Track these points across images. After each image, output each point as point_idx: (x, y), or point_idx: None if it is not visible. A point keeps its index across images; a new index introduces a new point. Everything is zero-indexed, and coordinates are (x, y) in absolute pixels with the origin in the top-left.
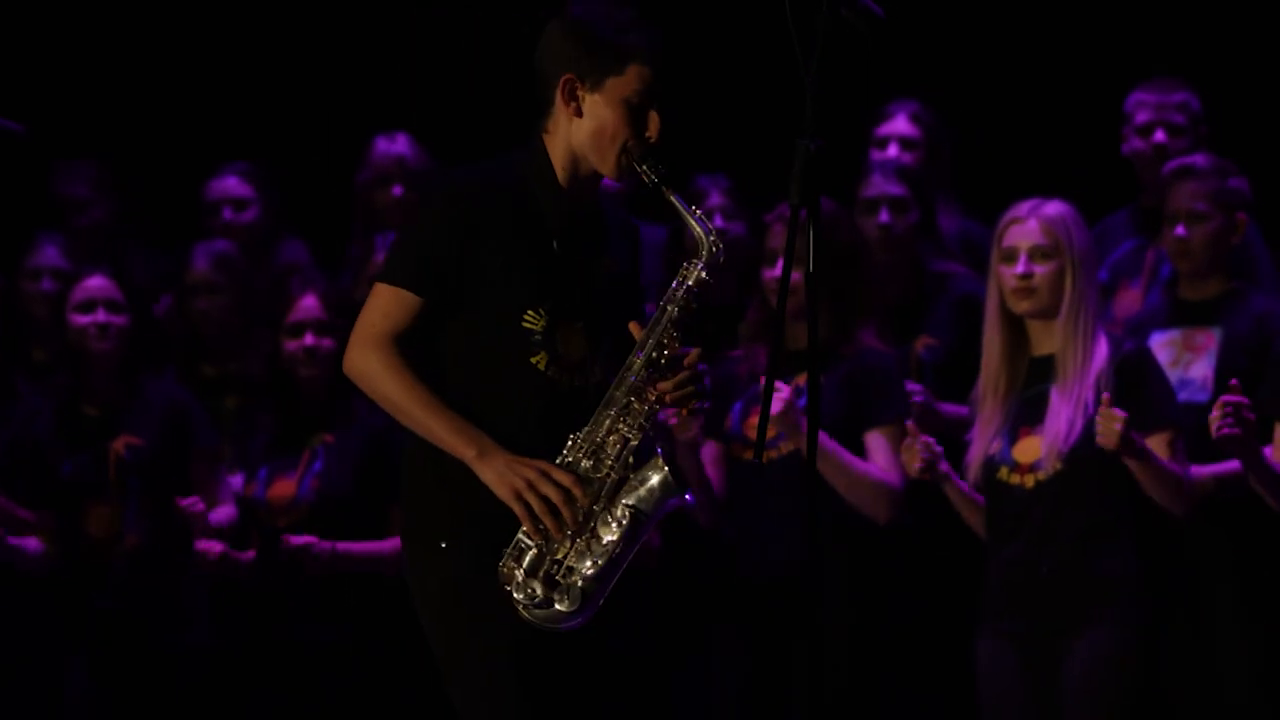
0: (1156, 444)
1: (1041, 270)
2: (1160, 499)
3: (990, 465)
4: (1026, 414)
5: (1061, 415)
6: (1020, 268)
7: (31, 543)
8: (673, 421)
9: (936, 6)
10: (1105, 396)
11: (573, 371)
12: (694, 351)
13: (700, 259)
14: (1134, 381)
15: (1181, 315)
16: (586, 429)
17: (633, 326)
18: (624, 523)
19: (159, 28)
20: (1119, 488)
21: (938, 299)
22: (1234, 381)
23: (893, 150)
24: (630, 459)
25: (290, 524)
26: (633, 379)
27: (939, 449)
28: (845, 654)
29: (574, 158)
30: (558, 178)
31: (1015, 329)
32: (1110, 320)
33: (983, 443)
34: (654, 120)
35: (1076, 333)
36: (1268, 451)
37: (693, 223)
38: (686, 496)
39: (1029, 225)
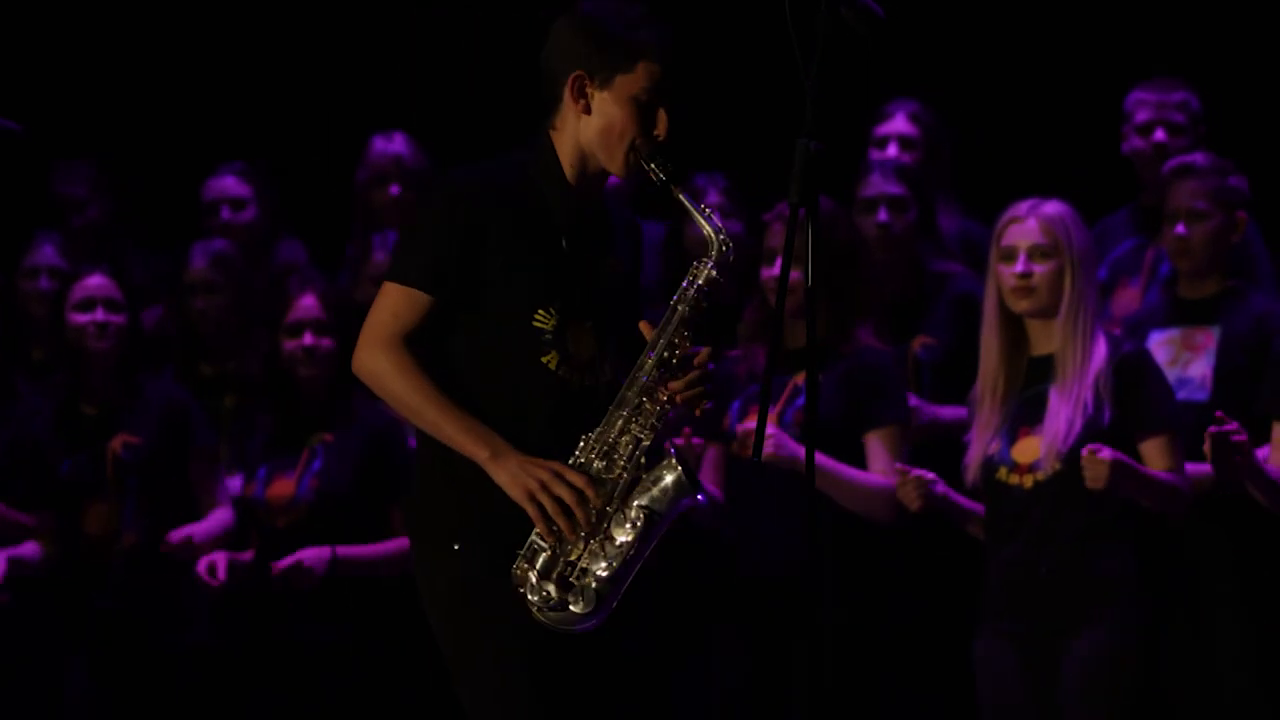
0: (1154, 447)
1: (1040, 269)
2: (1156, 509)
3: (989, 466)
4: (1025, 414)
5: (1060, 415)
6: (1019, 267)
7: (30, 548)
8: (679, 441)
9: (936, 6)
10: (1088, 449)
11: (583, 371)
12: (704, 351)
13: (710, 258)
14: (1132, 382)
15: (1180, 314)
16: (599, 429)
17: (643, 326)
18: (638, 524)
19: (157, 27)
20: None
21: (936, 298)
22: (1219, 414)
23: (892, 150)
24: (643, 459)
25: (289, 523)
26: (645, 379)
27: (931, 479)
28: (845, 654)
29: (582, 155)
30: (565, 175)
31: (1014, 328)
32: (1109, 319)
33: (981, 443)
34: (663, 118)
35: (1075, 332)
36: (1265, 452)
37: (702, 221)
38: (699, 496)
39: (1028, 224)
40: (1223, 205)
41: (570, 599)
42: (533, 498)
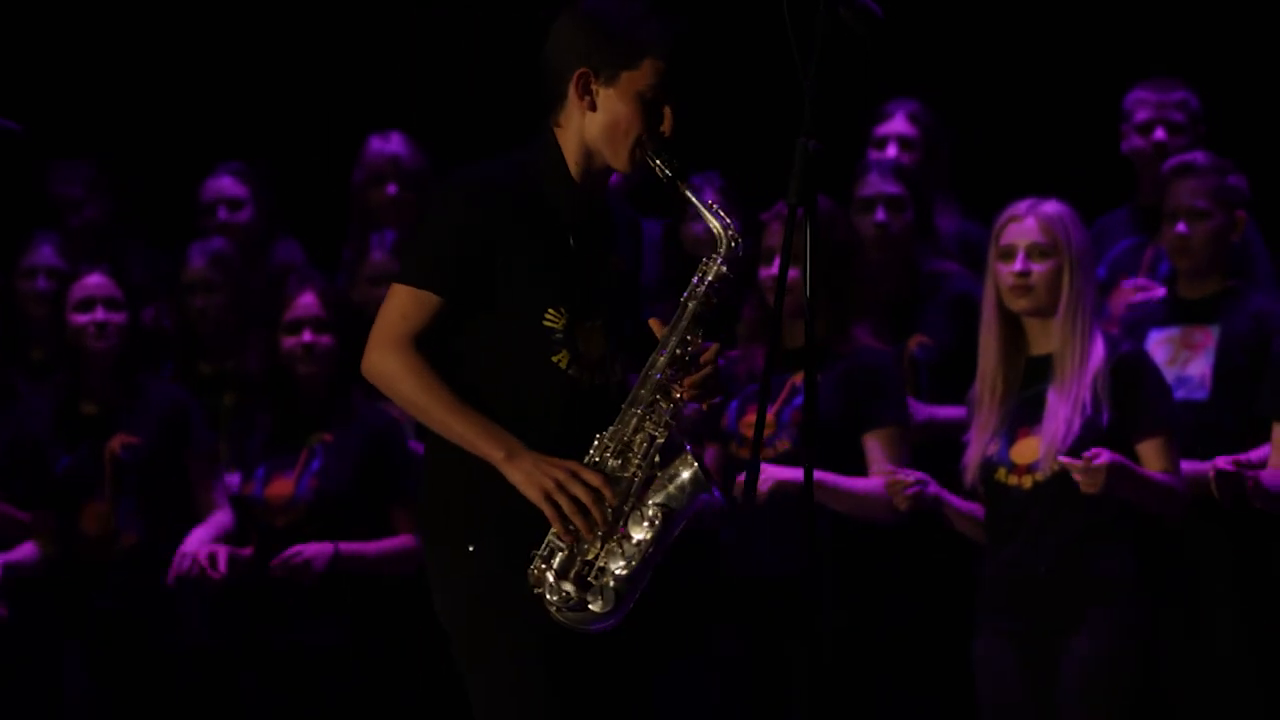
0: (1151, 448)
1: (1039, 269)
2: (1153, 510)
3: (988, 467)
4: (1024, 414)
5: (1059, 416)
6: (1018, 266)
7: (26, 550)
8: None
9: (935, 6)
10: (1086, 455)
11: (593, 369)
12: (714, 347)
13: (719, 253)
14: (1130, 383)
15: (1179, 313)
16: (613, 428)
17: (653, 323)
18: (656, 522)
19: (155, 27)
20: None
21: (932, 298)
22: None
23: (891, 150)
24: (657, 457)
25: (288, 523)
26: (658, 376)
27: (922, 480)
28: (843, 655)
29: (587, 151)
30: (571, 172)
31: (1013, 328)
32: (1108, 318)
33: (980, 444)
34: (668, 114)
35: (1074, 332)
36: (1265, 453)
37: (710, 217)
38: (715, 492)
39: (1027, 223)
40: (1223, 204)
41: (589, 598)
42: (549, 497)
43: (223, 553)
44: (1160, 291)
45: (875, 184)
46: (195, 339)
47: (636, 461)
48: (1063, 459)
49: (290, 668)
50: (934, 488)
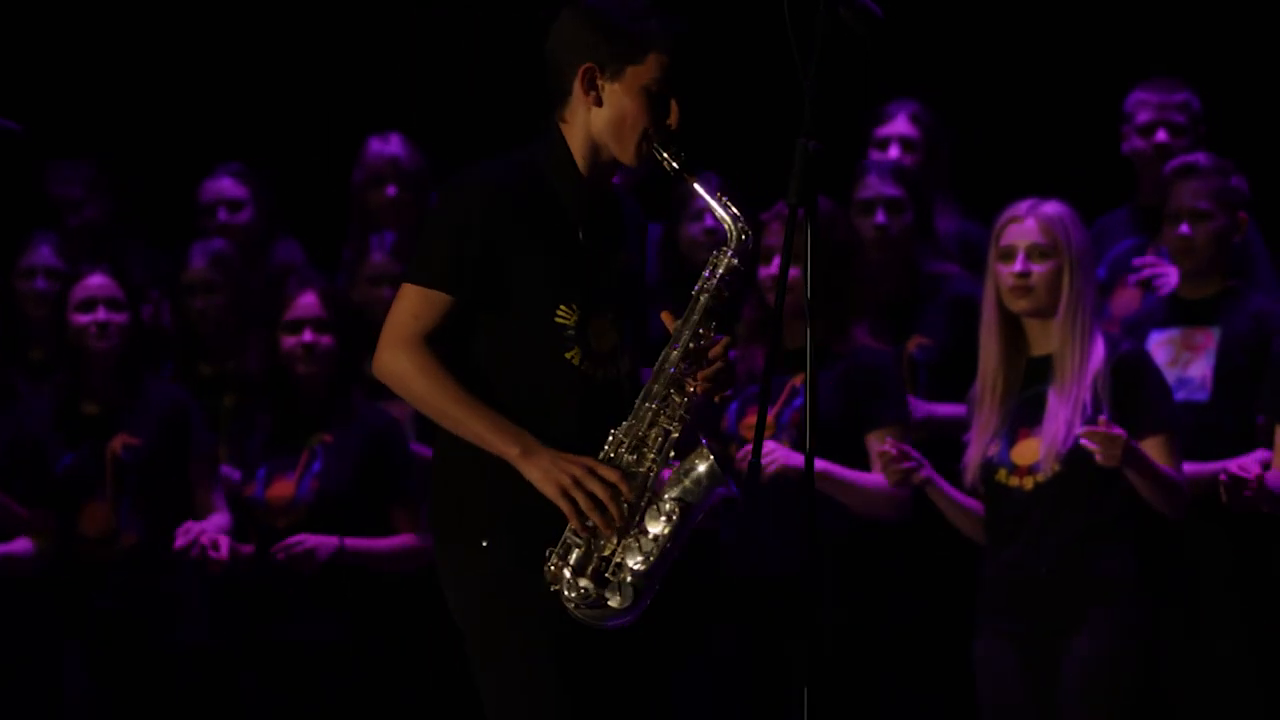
0: (1152, 448)
1: (1039, 269)
2: (1156, 503)
3: (989, 468)
4: (1024, 415)
5: (1059, 417)
6: (1018, 266)
7: (22, 544)
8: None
9: (935, 7)
10: (1102, 419)
11: (604, 364)
12: (724, 340)
13: (729, 246)
14: (1131, 383)
15: (1180, 314)
16: (627, 423)
17: (665, 317)
18: (673, 516)
19: (155, 28)
20: (1117, 488)
21: (931, 299)
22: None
23: (894, 151)
24: (672, 452)
25: (289, 525)
26: (671, 371)
27: (915, 458)
28: (845, 654)
29: (594, 146)
30: (578, 167)
31: (1013, 329)
32: (1108, 319)
33: (980, 445)
34: (674, 107)
35: (1074, 333)
36: (1267, 455)
37: (719, 210)
38: (732, 486)
39: (1027, 224)
40: (1225, 206)
41: (607, 594)
42: (566, 493)
43: (225, 540)
44: (1172, 273)
45: (875, 186)
46: (195, 340)
47: (652, 456)
48: (1081, 431)
49: (290, 664)
50: (928, 471)
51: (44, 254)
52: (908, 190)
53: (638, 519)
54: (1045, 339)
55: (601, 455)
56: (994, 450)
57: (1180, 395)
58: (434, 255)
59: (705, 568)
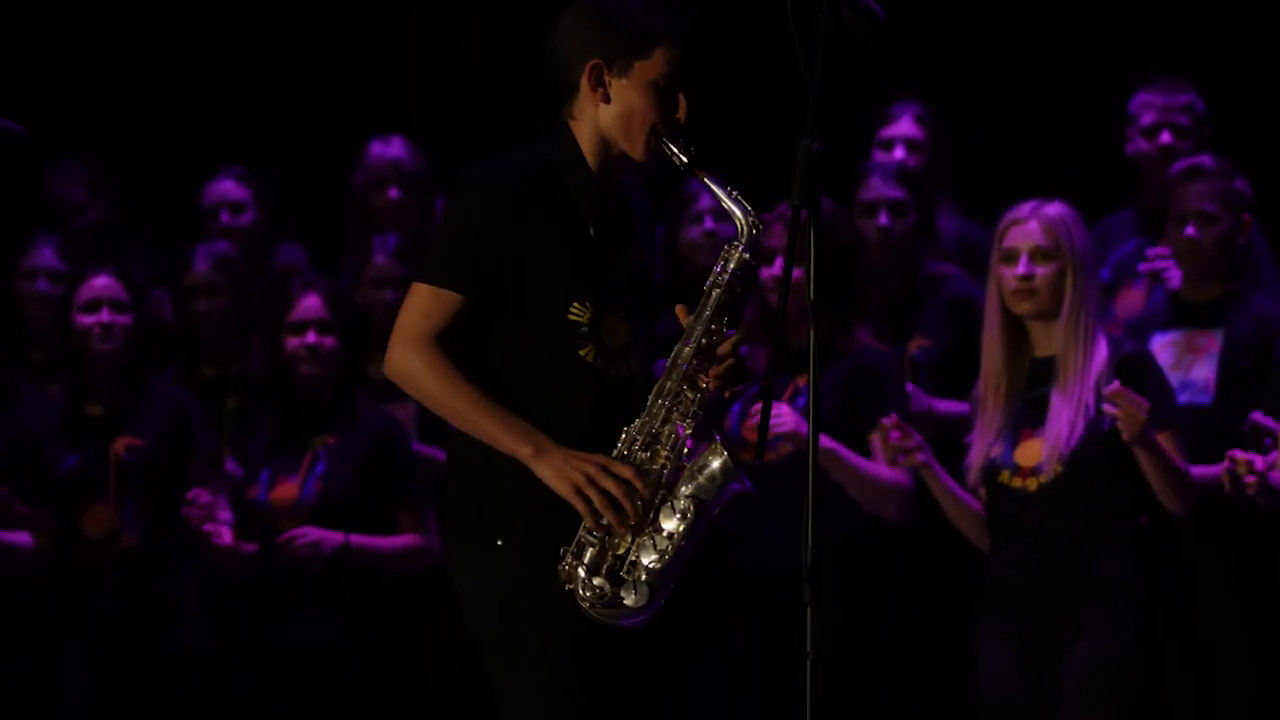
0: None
1: (1042, 271)
2: (1165, 494)
3: (991, 469)
4: (1027, 416)
5: (1062, 418)
6: (1021, 269)
7: (24, 537)
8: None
9: (938, 7)
10: (1116, 385)
11: (617, 361)
12: (734, 337)
13: (740, 240)
14: (1134, 382)
15: (1183, 317)
16: (641, 420)
17: (679, 310)
18: (688, 514)
19: (156, 29)
20: (1117, 489)
21: (931, 300)
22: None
23: (899, 152)
24: (685, 449)
25: (293, 527)
26: (684, 367)
27: (917, 438)
28: (845, 654)
29: (603, 142)
30: (588, 163)
31: (1016, 330)
32: (1112, 320)
33: (983, 446)
34: (682, 102)
35: (1077, 334)
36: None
37: (729, 203)
38: (746, 481)
39: (1030, 226)
40: (1230, 208)
41: (624, 594)
42: (580, 492)
43: (229, 531)
44: (1175, 273)
45: (878, 188)
46: (198, 342)
47: (665, 453)
48: (1108, 390)
49: (289, 665)
50: (927, 456)
51: (46, 256)
52: (910, 192)
53: (652, 516)
54: (1048, 340)
55: (615, 453)
56: (997, 451)
57: (1183, 398)
58: (445, 254)
59: (713, 562)
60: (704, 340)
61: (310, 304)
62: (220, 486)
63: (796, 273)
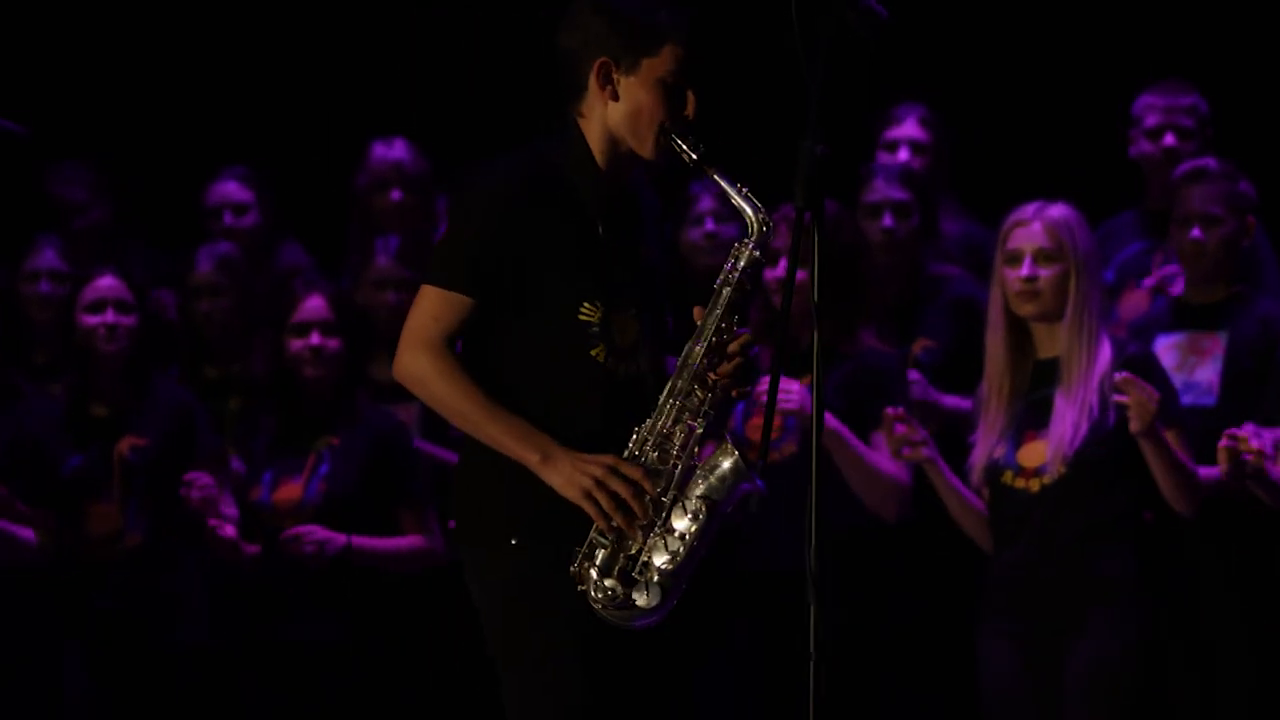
0: None
1: (1046, 273)
2: (1171, 493)
3: (994, 469)
4: (1031, 418)
5: (1066, 419)
6: (1024, 270)
7: (27, 532)
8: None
9: (941, 8)
10: (1126, 373)
11: (627, 360)
12: (743, 336)
13: (750, 238)
14: None
15: (1187, 319)
16: (651, 420)
17: (697, 312)
18: (700, 515)
19: (158, 30)
20: (1120, 489)
21: (933, 301)
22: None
23: (903, 154)
24: (696, 448)
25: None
26: (695, 366)
27: (923, 433)
28: (845, 654)
29: (611, 140)
30: (596, 162)
31: (1019, 332)
32: (1115, 322)
33: (986, 446)
34: (690, 98)
35: (1080, 336)
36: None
37: (739, 200)
38: (757, 481)
39: (1033, 228)
40: (1235, 210)
41: (636, 595)
42: (589, 495)
43: (230, 526)
44: (1179, 283)
45: (882, 190)
46: (201, 343)
47: (676, 453)
48: (1119, 379)
49: (290, 664)
50: (931, 450)
51: (48, 257)
52: (914, 194)
53: (664, 516)
54: (1052, 342)
55: (626, 453)
56: (1000, 452)
57: (1187, 400)
58: (453, 257)
59: (718, 562)
60: (714, 339)
61: (314, 305)
62: (225, 484)
63: (800, 274)
